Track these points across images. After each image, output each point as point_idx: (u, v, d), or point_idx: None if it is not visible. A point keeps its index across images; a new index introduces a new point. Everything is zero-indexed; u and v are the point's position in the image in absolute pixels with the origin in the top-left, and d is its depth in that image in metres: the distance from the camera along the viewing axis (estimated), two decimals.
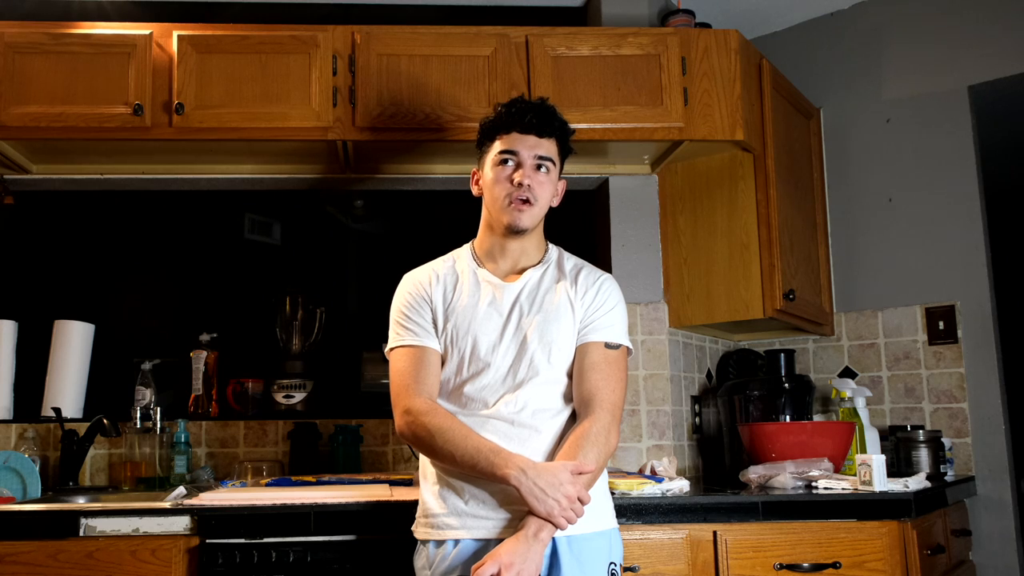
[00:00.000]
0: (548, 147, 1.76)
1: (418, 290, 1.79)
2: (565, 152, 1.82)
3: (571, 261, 1.84)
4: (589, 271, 1.82)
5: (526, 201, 1.72)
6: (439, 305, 1.76)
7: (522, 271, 1.79)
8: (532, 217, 1.75)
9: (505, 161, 1.75)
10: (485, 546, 1.61)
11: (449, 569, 1.62)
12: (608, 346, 1.74)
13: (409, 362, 1.73)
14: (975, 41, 2.89)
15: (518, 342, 1.71)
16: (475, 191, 1.85)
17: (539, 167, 1.75)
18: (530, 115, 1.75)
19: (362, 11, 2.97)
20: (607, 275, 1.83)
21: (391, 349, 1.78)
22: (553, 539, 1.61)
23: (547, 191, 1.77)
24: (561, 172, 1.83)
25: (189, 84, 2.36)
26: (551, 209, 1.82)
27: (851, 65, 3.11)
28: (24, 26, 2.39)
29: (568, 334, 1.74)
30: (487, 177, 1.78)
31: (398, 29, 2.45)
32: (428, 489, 1.71)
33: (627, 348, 1.78)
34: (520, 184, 1.72)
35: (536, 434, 1.67)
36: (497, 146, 1.77)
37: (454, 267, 1.82)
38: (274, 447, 2.70)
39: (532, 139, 1.75)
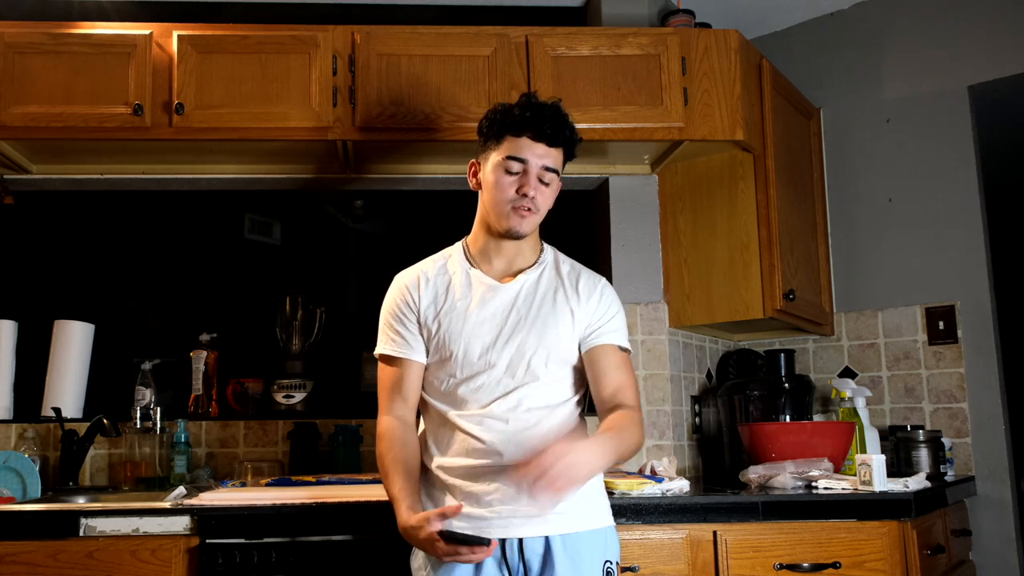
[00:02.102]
0: (556, 157, 1.72)
1: (404, 297, 1.77)
2: (569, 158, 1.79)
3: (567, 264, 1.82)
4: (587, 277, 1.81)
5: (529, 210, 1.70)
6: (428, 310, 1.74)
7: (517, 272, 1.77)
8: (533, 225, 1.73)
9: (511, 169, 1.69)
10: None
11: (445, 570, 1.61)
12: (621, 349, 1.76)
13: (387, 375, 1.76)
14: (975, 41, 2.89)
15: (515, 346, 1.69)
16: (472, 183, 1.80)
17: (544, 177, 1.71)
18: (547, 125, 1.68)
19: (362, 11, 2.97)
20: (604, 280, 1.83)
21: (377, 353, 1.79)
22: (546, 537, 1.62)
23: (549, 199, 1.75)
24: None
25: (189, 84, 2.36)
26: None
27: (851, 65, 3.11)
28: (24, 26, 2.39)
29: (567, 340, 1.73)
30: (488, 177, 1.73)
31: (398, 29, 2.45)
32: (424, 490, 1.71)
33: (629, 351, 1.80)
34: (525, 195, 1.69)
35: (531, 430, 1.66)
36: (504, 148, 1.70)
37: (446, 267, 1.79)
38: (274, 447, 2.70)
39: (542, 148, 1.69)
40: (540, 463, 1.46)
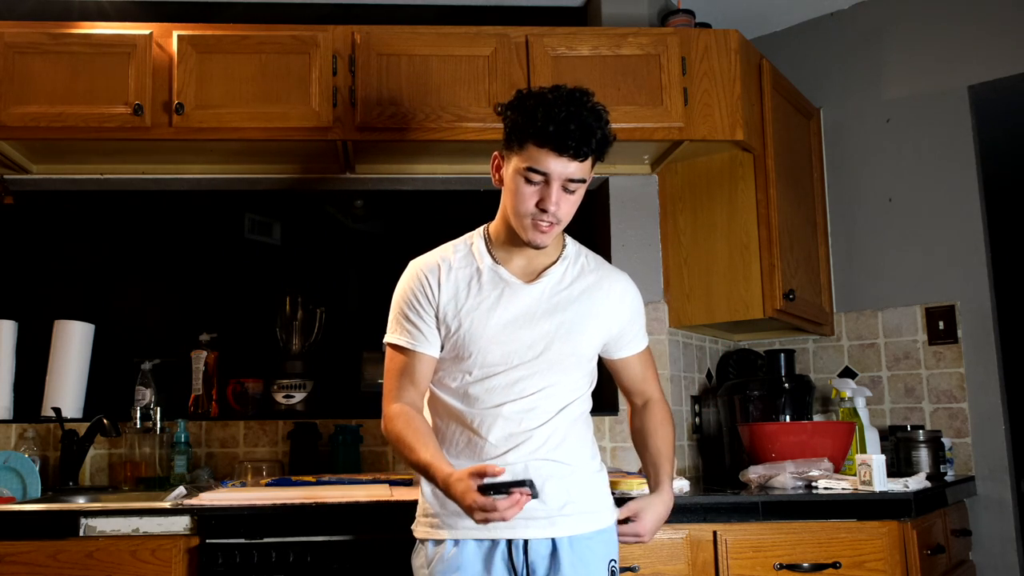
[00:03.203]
0: (581, 167, 1.58)
1: (422, 286, 1.68)
2: (600, 160, 1.65)
3: (592, 260, 1.78)
4: (617, 278, 1.78)
5: (550, 224, 1.62)
6: (448, 306, 1.66)
7: (540, 270, 1.71)
8: (554, 236, 1.66)
9: (532, 179, 1.58)
10: (490, 545, 1.61)
11: (448, 569, 1.61)
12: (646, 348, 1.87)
13: (397, 365, 1.69)
14: (975, 41, 2.89)
15: (538, 349, 1.66)
16: (495, 179, 1.69)
17: (568, 187, 1.60)
18: (571, 140, 1.54)
19: (362, 11, 2.97)
20: (628, 278, 1.82)
21: (387, 341, 1.73)
22: (553, 539, 1.62)
23: (574, 206, 1.64)
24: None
25: (189, 84, 2.36)
26: None
27: (851, 65, 3.11)
28: (24, 26, 2.39)
29: (591, 344, 1.72)
30: (509, 182, 1.63)
31: (398, 29, 2.45)
32: (428, 488, 1.69)
33: None
34: (545, 210, 1.59)
35: (541, 429, 1.65)
36: (526, 157, 1.58)
37: (470, 259, 1.70)
38: (274, 447, 2.70)
39: (566, 160, 1.56)
40: (635, 533, 1.76)
